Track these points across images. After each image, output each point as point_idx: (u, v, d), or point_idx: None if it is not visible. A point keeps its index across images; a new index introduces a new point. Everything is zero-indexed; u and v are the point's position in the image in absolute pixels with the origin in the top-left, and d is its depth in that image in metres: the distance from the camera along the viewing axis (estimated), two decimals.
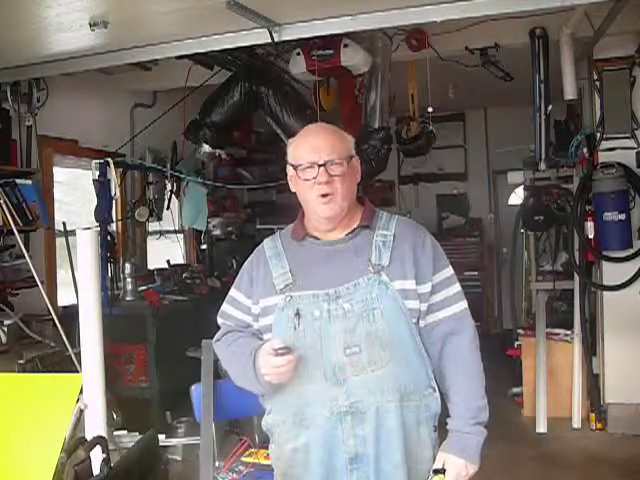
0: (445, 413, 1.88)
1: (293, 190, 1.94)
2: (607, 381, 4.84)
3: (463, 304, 1.92)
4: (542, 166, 4.78)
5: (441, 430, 1.89)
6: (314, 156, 1.83)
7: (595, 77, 4.79)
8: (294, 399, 1.84)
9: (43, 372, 3.85)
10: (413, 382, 1.83)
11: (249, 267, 1.99)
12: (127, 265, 5.03)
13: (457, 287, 1.92)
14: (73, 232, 4.16)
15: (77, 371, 3.05)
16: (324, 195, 1.83)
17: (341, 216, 1.88)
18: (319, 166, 1.82)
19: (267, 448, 2.01)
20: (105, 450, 2.12)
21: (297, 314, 1.81)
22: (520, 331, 5.57)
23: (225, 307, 2.04)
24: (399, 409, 1.79)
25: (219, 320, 2.06)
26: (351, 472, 1.79)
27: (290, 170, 1.92)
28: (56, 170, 5.13)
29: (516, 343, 5.59)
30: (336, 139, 1.88)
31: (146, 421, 4.50)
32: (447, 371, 1.88)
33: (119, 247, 5.60)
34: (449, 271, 1.92)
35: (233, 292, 2.02)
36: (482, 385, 1.88)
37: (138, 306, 4.89)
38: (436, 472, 1.82)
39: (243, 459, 2.94)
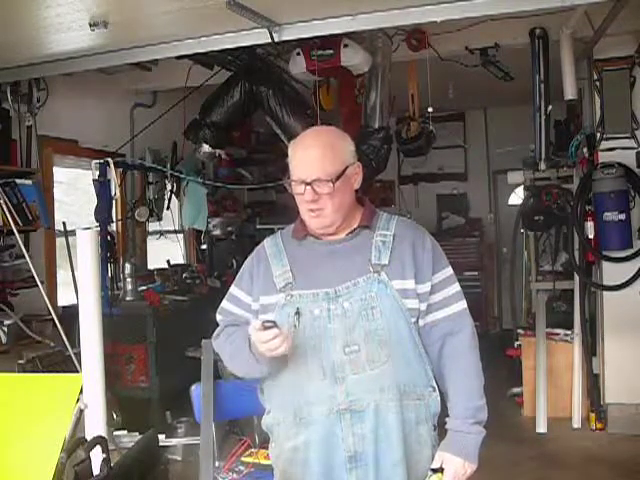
0: (444, 412, 1.89)
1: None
2: (607, 381, 4.84)
3: (462, 304, 1.92)
4: (542, 166, 4.77)
5: (440, 429, 1.89)
6: (303, 173, 1.81)
7: (595, 77, 4.80)
8: (293, 398, 1.84)
9: (43, 372, 3.85)
10: (412, 381, 1.83)
11: (250, 265, 2.00)
12: (127, 265, 5.03)
13: (456, 287, 1.92)
14: (73, 232, 4.16)
15: (77, 371, 3.05)
16: (312, 210, 1.83)
17: (333, 227, 1.88)
18: (306, 184, 1.81)
19: (267, 448, 2.01)
20: (105, 450, 2.13)
21: (297, 313, 1.82)
22: (520, 331, 5.57)
23: (225, 304, 2.04)
24: (399, 408, 1.79)
25: (218, 317, 2.05)
26: (350, 470, 1.79)
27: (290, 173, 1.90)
28: (56, 170, 5.13)
29: (516, 343, 5.59)
30: (327, 154, 1.81)
31: (146, 421, 4.50)
32: (446, 370, 1.88)
33: (119, 247, 5.60)
34: (448, 271, 1.92)
35: (233, 289, 2.03)
36: (481, 385, 1.89)
37: (138, 306, 4.89)
38: (434, 471, 1.82)
39: (243, 459, 2.94)
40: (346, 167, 1.85)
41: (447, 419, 1.88)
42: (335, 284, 1.82)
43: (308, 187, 1.80)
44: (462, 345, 1.89)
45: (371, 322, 1.80)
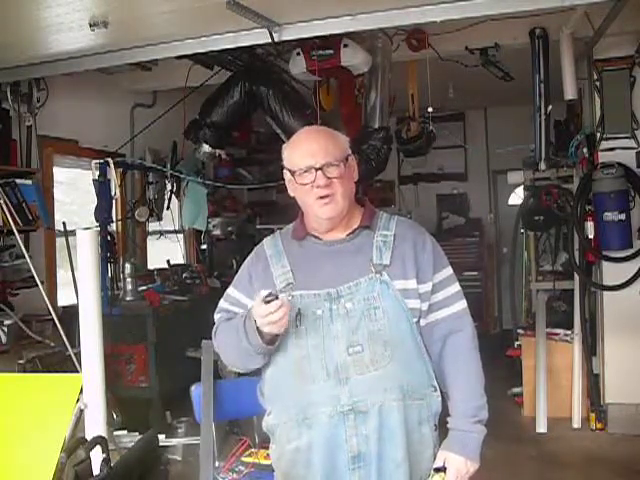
0: (445, 412, 1.89)
1: (292, 195, 1.93)
2: (607, 381, 4.84)
3: (463, 303, 1.93)
4: (542, 166, 4.77)
5: (441, 429, 1.89)
6: (310, 160, 1.83)
7: (595, 77, 4.79)
8: (296, 399, 1.83)
9: (43, 372, 3.85)
10: (415, 381, 1.83)
11: (249, 265, 1.99)
12: (127, 265, 5.03)
13: (457, 286, 1.93)
14: (73, 232, 4.16)
15: (77, 371, 3.05)
16: (324, 197, 1.83)
17: (342, 215, 1.88)
18: (316, 170, 1.82)
19: (267, 448, 2.01)
20: (105, 450, 2.12)
21: (299, 313, 1.82)
22: (520, 331, 5.57)
23: (222, 304, 2.03)
24: (401, 408, 1.79)
25: (216, 316, 2.03)
26: (353, 471, 1.79)
27: (287, 175, 1.91)
28: (56, 170, 5.13)
29: (516, 343, 5.59)
30: (329, 141, 1.87)
31: (146, 421, 4.50)
32: (447, 370, 1.89)
33: (119, 247, 5.60)
34: (449, 271, 1.93)
35: (231, 290, 2.02)
36: (482, 384, 1.89)
37: (138, 306, 4.89)
38: (437, 470, 1.83)
39: (243, 459, 2.93)
40: (348, 154, 1.89)
41: (448, 418, 1.88)
42: (337, 284, 1.83)
43: (319, 172, 1.82)
44: (463, 344, 1.90)
45: (374, 322, 1.80)
